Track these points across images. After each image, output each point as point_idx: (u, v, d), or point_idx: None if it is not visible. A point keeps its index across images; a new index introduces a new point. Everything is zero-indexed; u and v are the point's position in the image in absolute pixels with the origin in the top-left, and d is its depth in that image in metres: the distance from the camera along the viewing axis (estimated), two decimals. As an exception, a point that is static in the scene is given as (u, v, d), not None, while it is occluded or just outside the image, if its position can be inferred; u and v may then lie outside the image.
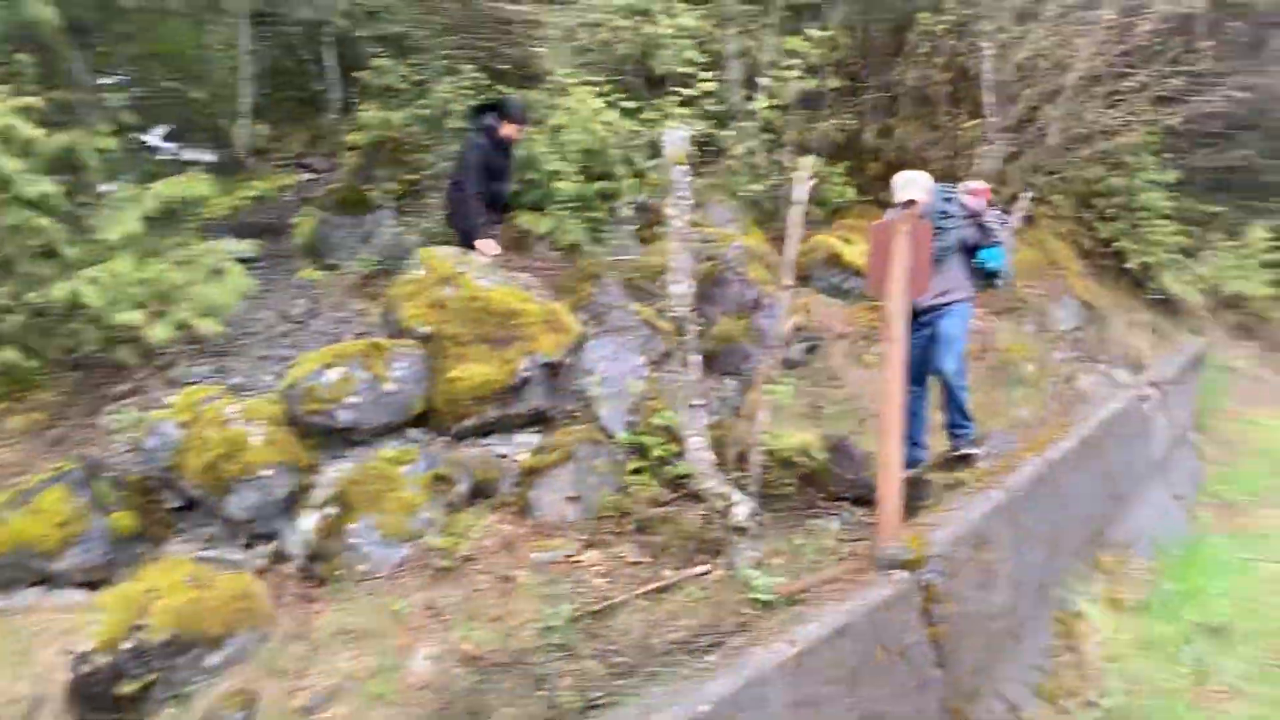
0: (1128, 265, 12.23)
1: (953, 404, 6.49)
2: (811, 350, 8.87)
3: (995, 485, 4.07)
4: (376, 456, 5.72)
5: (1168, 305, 12.72)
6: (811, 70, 11.16)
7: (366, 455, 5.75)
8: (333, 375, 5.68)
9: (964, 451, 6.49)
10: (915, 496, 6.58)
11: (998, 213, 6.56)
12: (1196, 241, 12.81)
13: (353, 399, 5.65)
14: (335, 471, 5.66)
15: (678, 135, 4.85)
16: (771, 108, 11.07)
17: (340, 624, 4.85)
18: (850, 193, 11.33)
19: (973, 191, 6.45)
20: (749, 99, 11.12)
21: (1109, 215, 12.40)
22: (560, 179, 10.09)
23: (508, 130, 7.98)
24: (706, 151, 11.12)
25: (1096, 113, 10.42)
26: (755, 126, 10.95)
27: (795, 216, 5.46)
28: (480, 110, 8.27)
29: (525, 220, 10.16)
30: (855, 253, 9.56)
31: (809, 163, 5.48)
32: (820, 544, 6.22)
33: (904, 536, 3.44)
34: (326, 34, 13.03)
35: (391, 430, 5.89)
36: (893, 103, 11.42)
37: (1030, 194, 10.49)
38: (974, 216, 6.37)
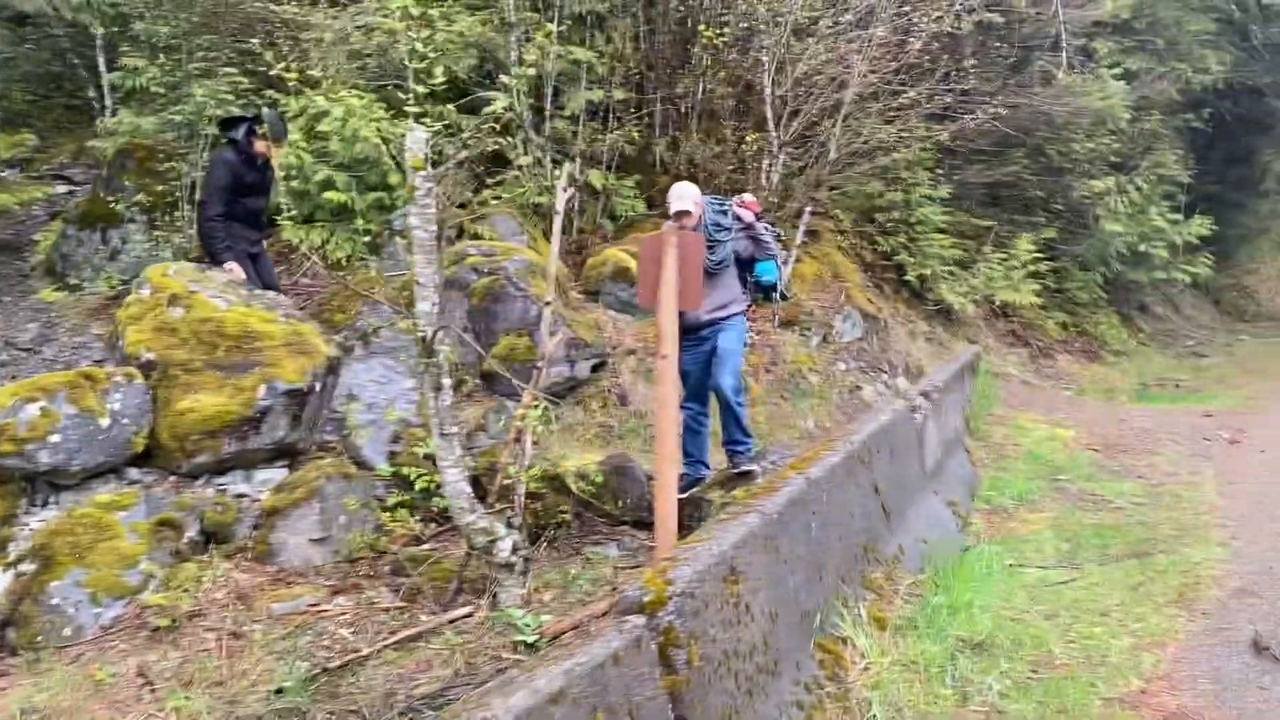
0: (907, 277, 12.62)
1: (731, 420, 6.33)
2: (599, 367, 8.60)
3: (751, 508, 3.84)
4: (88, 502, 5.03)
5: (945, 315, 13.21)
6: (600, 82, 10.99)
7: (76, 501, 5.05)
8: (31, 411, 4.95)
9: (744, 469, 6.34)
10: (696, 517, 6.39)
11: (768, 225, 6.47)
12: (970, 254, 13.38)
13: (56, 437, 4.94)
14: (36, 522, 4.93)
15: (418, 136, 4.43)
16: (560, 118, 10.83)
17: (29, 701, 4.17)
18: (640, 206, 11.19)
19: (744, 204, 6.33)
20: (536, 109, 10.84)
21: (889, 229, 12.77)
22: (330, 190, 9.49)
23: (261, 147, 7.27)
24: (494, 162, 10.77)
25: (873, 128, 10.65)
26: (543, 137, 10.68)
27: (555, 227, 5.15)
28: (231, 122, 7.51)
29: (292, 234, 9.48)
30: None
31: (568, 169, 5.17)
32: (597, 574, 5.92)
33: (643, 575, 3.14)
34: (95, 36, 11.90)
35: (108, 471, 5.20)
36: (681, 116, 11.35)
37: (812, 208, 10.63)
38: (748, 229, 6.24)
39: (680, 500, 6.59)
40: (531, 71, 8.83)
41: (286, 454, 5.75)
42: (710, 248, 6.20)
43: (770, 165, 10.04)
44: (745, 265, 6.41)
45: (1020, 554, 6.58)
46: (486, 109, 10.73)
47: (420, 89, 5.15)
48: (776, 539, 3.84)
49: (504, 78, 10.63)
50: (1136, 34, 17.37)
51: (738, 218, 6.24)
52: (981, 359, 10.89)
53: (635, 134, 11.30)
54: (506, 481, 5.25)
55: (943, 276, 12.73)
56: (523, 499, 5.23)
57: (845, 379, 10.41)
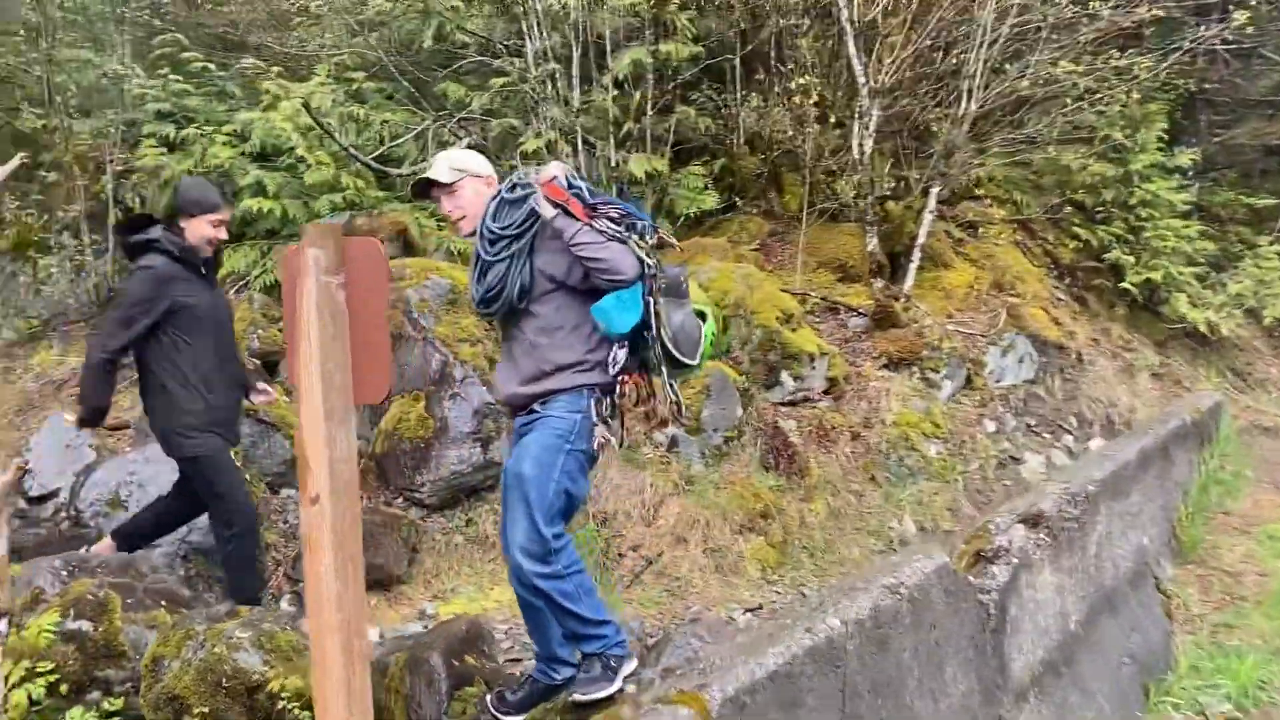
0: (1126, 284, 8.68)
1: (553, 609, 3.30)
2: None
3: None
4: None
5: (1195, 337, 9.13)
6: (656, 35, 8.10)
7: None
8: None
9: (587, 695, 3.28)
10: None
11: (612, 222, 3.29)
12: (1227, 248, 9.20)
13: None
14: None
15: None
16: (599, 87, 8.02)
17: None
18: (711, 199, 8.16)
19: (545, 185, 3.23)
20: (565, 76, 8.08)
21: (1097, 216, 8.91)
22: (261, 197, 7.22)
23: (201, 229, 4.05)
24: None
25: (1041, 65, 7.03)
26: (570, 113, 7.91)
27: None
28: (137, 224, 4.17)
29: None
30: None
31: None
32: None
33: None
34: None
35: None
36: (769, 74, 8.21)
37: (939, 189, 7.19)
38: (555, 230, 3.19)
39: (513, 726, 3.67)
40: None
41: None
42: (483, 272, 3.26)
43: (864, 127, 6.71)
44: (591, 299, 3.37)
45: None
46: (499, 80, 8.24)
47: None
48: None
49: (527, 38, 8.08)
50: None
51: (534, 212, 3.21)
52: (1224, 412, 6.94)
53: (706, 103, 8.34)
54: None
55: (1184, 282, 8.70)
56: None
57: (994, 447, 6.87)
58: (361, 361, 2.60)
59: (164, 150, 7.55)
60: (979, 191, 8.23)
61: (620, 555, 5.30)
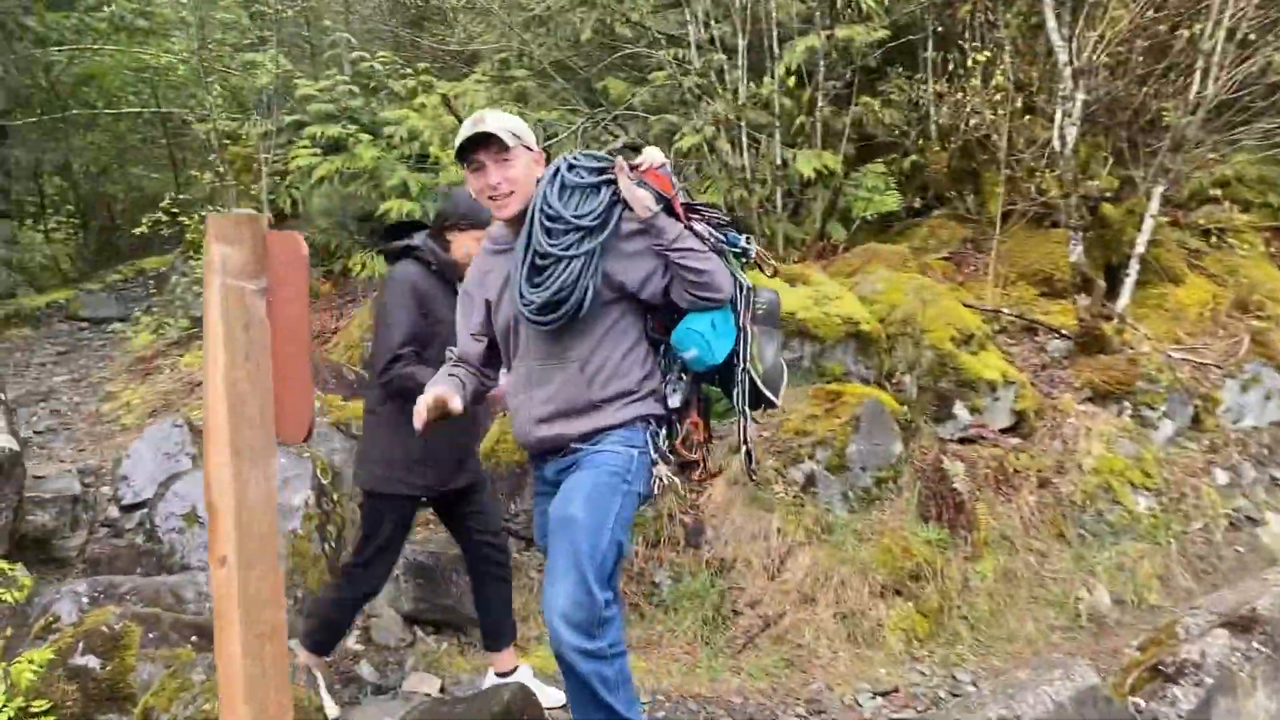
0: None
1: (586, 697, 2.59)
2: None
3: None
4: None
5: None
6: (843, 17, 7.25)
7: None
8: None
9: None
10: None
11: (712, 227, 2.61)
12: None
13: None
14: None
15: None
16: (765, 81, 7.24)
17: None
18: (893, 200, 7.24)
19: (647, 172, 2.55)
20: (732, 67, 7.34)
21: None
22: (404, 198, 6.92)
23: (468, 244, 3.41)
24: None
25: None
26: (733, 106, 7.18)
27: None
28: (403, 229, 3.70)
29: (355, 263, 7.08)
30: (800, 296, 5.52)
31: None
32: None
33: None
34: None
35: None
36: (964, 56, 7.18)
37: (1166, 189, 5.97)
38: (648, 230, 2.52)
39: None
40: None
41: None
42: (538, 269, 2.58)
43: (1065, 114, 5.61)
44: (658, 316, 2.68)
45: None
46: (659, 74, 7.64)
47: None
48: None
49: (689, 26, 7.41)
50: None
51: (617, 198, 2.54)
52: None
53: (894, 93, 7.41)
54: None
55: None
56: None
57: (1226, 503, 5.60)
58: (281, 388, 2.00)
59: (318, 151, 7.42)
60: (1215, 193, 6.83)
61: (735, 612, 4.53)
